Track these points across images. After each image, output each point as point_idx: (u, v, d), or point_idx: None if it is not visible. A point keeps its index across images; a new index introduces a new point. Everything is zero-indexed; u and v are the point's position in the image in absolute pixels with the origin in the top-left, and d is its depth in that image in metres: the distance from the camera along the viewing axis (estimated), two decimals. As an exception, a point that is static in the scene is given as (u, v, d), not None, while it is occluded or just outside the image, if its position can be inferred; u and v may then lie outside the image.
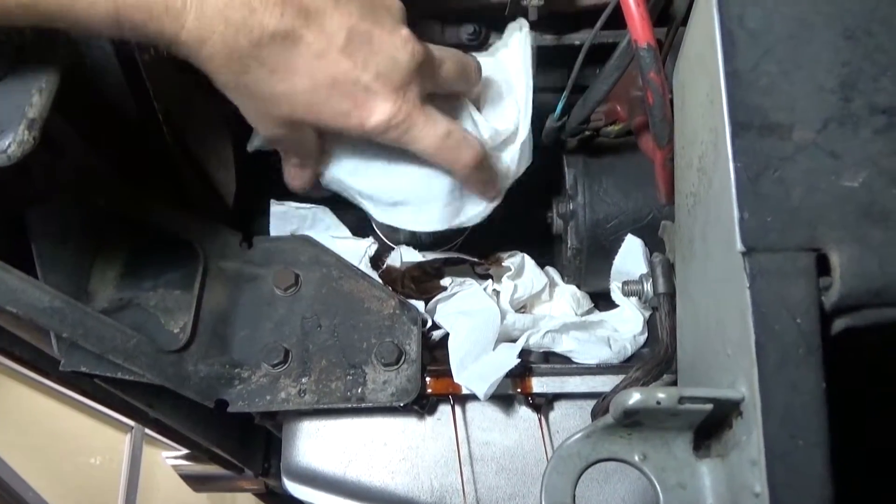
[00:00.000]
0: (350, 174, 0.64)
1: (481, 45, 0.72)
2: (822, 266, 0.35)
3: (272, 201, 0.76)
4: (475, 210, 0.66)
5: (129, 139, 0.70)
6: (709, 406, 0.39)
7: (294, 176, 0.65)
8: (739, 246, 0.35)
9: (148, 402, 0.70)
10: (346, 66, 0.51)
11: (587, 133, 0.71)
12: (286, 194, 0.78)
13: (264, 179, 0.75)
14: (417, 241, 0.76)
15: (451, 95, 0.61)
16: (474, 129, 0.62)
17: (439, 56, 0.57)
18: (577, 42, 0.71)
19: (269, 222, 0.77)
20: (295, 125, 0.56)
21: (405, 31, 0.53)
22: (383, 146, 0.59)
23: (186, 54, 0.49)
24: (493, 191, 0.65)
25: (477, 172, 0.61)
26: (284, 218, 0.77)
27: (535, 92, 0.77)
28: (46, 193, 0.61)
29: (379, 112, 0.53)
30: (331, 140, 0.62)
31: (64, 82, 0.50)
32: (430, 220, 0.65)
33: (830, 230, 0.35)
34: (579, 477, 0.43)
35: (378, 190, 0.64)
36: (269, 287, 0.70)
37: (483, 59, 0.65)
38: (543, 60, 0.74)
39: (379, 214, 0.66)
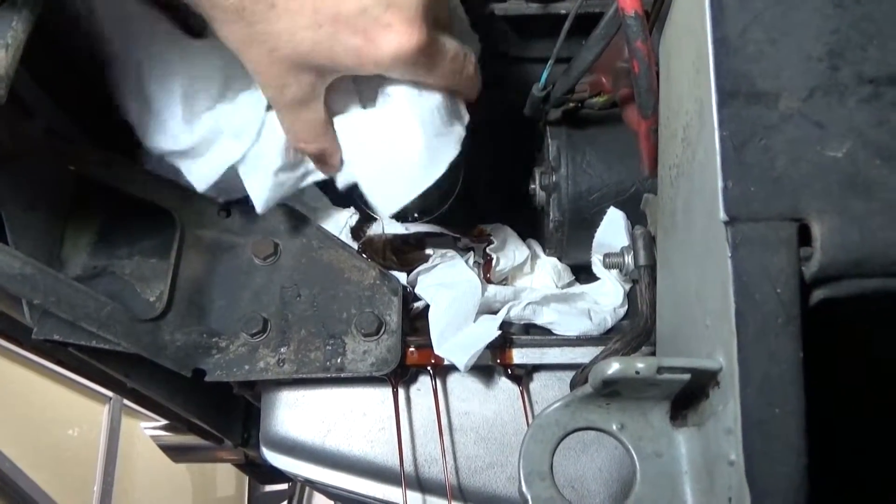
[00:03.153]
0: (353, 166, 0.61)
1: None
2: (804, 236, 0.35)
3: (251, 169, 0.75)
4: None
5: (102, 102, 0.68)
6: (686, 376, 0.40)
7: (320, 165, 0.62)
8: (722, 215, 0.35)
9: (124, 372, 0.69)
10: None
11: (571, 104, 0.70)
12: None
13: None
14: (400, 212, 0.75)
15: None
16: None
17: None
18: (563, 11, 0.70)
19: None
20: (301, 73, 0.52)
21: None
22: (376, 124, 0.57)
23: None
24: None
25: (474, 80, 0.59)
26: (263, 186, 0.75)
27: (519, 62, 0.77)
28: (15, 156, 0.59)
29: (393, 44, 0.50)
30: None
31: (32, 40, 0.48)
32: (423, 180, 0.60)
33: (813, 200, 0.34)
34: (557, 445, 0.43)
35: (378, 175, 0.61)
36: (248, 256, 0.69)
37: None
38: (529, 30, 0.73)
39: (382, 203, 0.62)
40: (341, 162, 0.62)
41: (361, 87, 0.59)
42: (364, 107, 0.60)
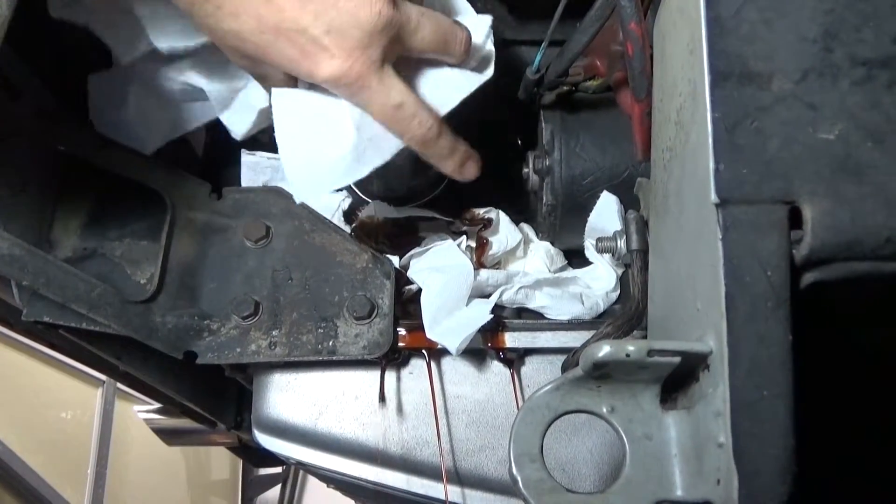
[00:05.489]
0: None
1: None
2: (795, 219, 0.35)
3: (243, 151, 0.75)
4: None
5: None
6: (677, 359, 0.40)
7: None
8: (714, 198, 0.35)
9: (116, 355, 0.69)
10: (295, 14, 0.49)
11: (565, 88, 0.70)
12: (257, 144, 0.76)
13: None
14: (392, 194, 0.75)
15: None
16: (435, 91, 0.58)
17: (416, 21, 0.53)
18: (558, -7, 0.69)
19: (239, 172, 0.75)
20: (248, 62, 0.55)
21: None
22: (313, 107, 0.57)
23: None
24: (453, 162, 0.60)
25: (427, 148, 0.57)
26: (256, 168, 0.75)
27: (513, 45, 0.76)
28: (2, 136, 0.59)
29: (326, 67, 0.51)
30: None
31: (19, 17, 0.47)
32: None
33: (804, 183, 0.34)
34: (548, 428, 0.43)
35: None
36: (240, 239, 0.68)
37: None
38: (523, 12, 0.72)
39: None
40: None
41: None
42: (307, 87, 0.58)
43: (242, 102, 0.68)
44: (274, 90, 0.58)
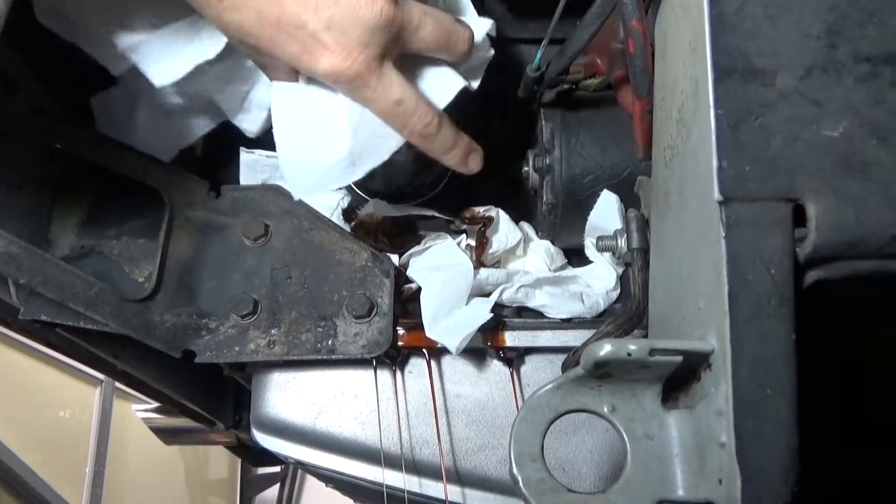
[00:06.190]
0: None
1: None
2: (799, 216, 0.35)
3: (242, 149, 0.74)
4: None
5: (89, 79, 0.67)
6: (679, 358, 0.39)
7: None
8: (717, 195, 0.35)
9: (114, 354, 0.68)
10: (295, 9, 0.49)
11: (566, 86, 0.69)
12: (256, 143, 0.76)
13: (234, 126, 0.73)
14: (392, 193, 0.74)
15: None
16: (434, 86, 0.58)
17: (418, 20, 0.53)
18: (559, -10, 0.69)
19: (238, 171, 0.75)
20: (257, 50, 0.54)
21: None
22: (312, 102, 0.57)
23: None
24: (456, 155, 0.60)
25: (429, 143, 0.57)
26: (254, 167, 0.75)
27: (513, 43, 0.76)
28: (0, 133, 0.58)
29: (325, 63, 0.51)
30: None
31: (16, 12, 0.47)
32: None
33: (808, 180, 0.34)
34: (548, 427, 0.43)
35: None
36: (238, 237, 0.68)
37: None
38: (523, 10, 0.72)
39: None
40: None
41: None
42: (307, 82, 0.58)
43: (252, 102, 0.68)
44: (275, 84, 0.58)
